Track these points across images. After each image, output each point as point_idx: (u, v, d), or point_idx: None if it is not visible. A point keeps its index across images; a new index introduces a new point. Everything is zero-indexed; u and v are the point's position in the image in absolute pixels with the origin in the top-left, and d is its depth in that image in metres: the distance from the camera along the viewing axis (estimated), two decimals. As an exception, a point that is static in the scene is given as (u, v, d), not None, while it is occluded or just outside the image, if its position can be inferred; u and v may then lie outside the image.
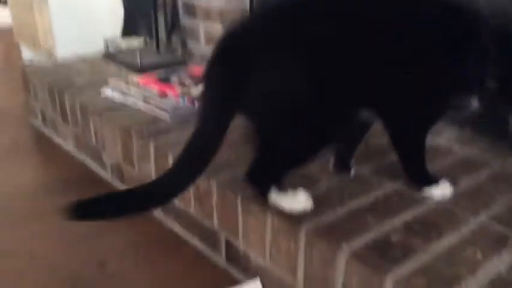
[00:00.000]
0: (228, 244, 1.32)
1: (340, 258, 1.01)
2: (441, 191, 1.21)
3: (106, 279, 1.30)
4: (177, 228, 1.51)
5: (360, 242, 1.04)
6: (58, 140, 2.05)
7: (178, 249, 1.44)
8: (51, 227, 1.51)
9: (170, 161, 1.41)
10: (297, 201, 1.14)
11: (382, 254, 1.00)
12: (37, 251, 1.40)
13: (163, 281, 1.30)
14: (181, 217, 1.47)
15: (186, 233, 1.47)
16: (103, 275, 1.32)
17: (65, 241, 1.46)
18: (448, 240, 1.05)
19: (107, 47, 2.33)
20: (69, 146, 1.98)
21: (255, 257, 1.24)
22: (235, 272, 1.32)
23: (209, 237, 1.38)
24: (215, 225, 1.34)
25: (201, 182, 1.31)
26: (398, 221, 1.11)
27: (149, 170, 1.52)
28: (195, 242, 1.44)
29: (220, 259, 1.36)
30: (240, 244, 1.28)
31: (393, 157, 1.40)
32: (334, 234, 1.06)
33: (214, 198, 1.30)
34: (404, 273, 0.95)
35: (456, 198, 1.20)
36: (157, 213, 1.58)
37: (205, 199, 1.33)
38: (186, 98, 1.70)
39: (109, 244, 1.45)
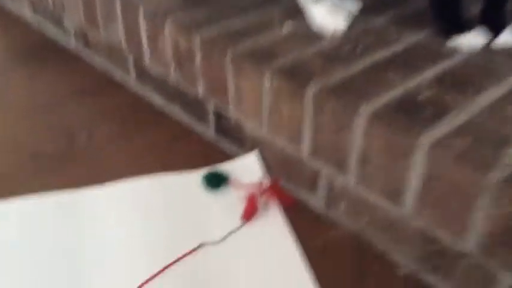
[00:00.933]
0: (218, 114, 1.13)
1: (357, 121, 0.82)
2: (474, 40, 0.99)
3: (75, 153, 1.11)
4: (156, 99, 1.30)
5: (380, 101, 0.84)
6: (12, 6, 1.75)
7: (158, 122, 1.24)
8: (14, 99, 1.30)
9: (141, 18, 1.15)
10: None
11: (410, 114, 0.81)
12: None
13: (142, 155, 1.12)
14: (160, 86, 1.26)
15: (167, 104, 1.27)
16: (71, 150, 1.12)
17: (28, 114, 1.25)
18: (488, 96, 0.86)
19: None
20: (25, 12, 1.68)
21: (251, 127, 1.05)
22: (227, 146, 1.14)
23: (194, 107, 1.18)
24: (200, 93, 1.13)
25: (181, 38, 1.08)
26: (424, 76, 0.91)
27: (116, 31, 1.26)
28: (179, 114, 1.24)
29: (209, 131, 1.17)
30: (232, 113, 1.08)
31: (414, 4, 1.16)
32: (348, 94, 0.86)
33: (198, 59, 1.07)
34: (440, 134, 0.76)
35: (492, 52, 0.99)
36: (131, 82, 1.36)
37: (187, 61, 1.10)
38: None
39: (76, 116, 1.24)
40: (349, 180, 0.89)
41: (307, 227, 0.94)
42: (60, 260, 0.87)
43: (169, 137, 1.18)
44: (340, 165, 0.89)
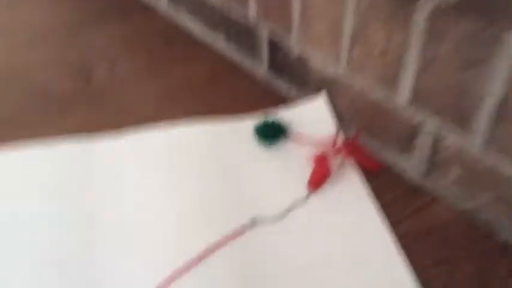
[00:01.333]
0: (273, 45, 0.86)
1: (503, 54, 0.54)
2: None
3: (93, 92, 0.87)
4: (193, 26, 1.03)
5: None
6: None
7: (196, 55, 0.98)
8: (23, 26, 1.05)
9: None
10: None
11: None
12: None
13: (175, 96, 0.86)
14: (199, 10, 0.99)
15: (207, 32, 1.00)
16: (88, 87, 0.88)
17: (40, 43, 1.00)
18: None
19: None
20: None
21: (320, 63, 0.78)
22: (283, 87, 0.88)
23: (243, 36, 0.91)
24: (252, 16, 0.86)
25: None
26: None
27: None
28: (222, 45, 0.98)
29: (261, 68, 0.91)
30: (294, 43, 0.81)
31: None
32: (487, 12, 0.57)
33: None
34: None
35: None
36: (163, 4, 1.09)
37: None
38: None
39: (96, 47, 0.99)
40: (471, 141, 0.61)
41: (397, 201, 0.68)
42: (66, 228, 0.64)
43: (209, 74, 0.92)
44: (461, 120, 0.61)
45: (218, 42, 0.98)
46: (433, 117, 0.65)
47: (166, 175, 0.71)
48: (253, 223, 0.65)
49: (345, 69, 0.74)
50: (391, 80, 0.67)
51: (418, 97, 0.65)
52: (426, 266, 0.60)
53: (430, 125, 0.66)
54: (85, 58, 0.96)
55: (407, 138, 0.70)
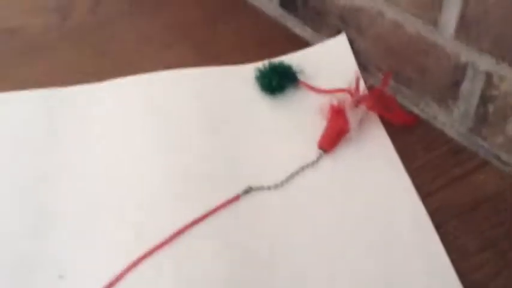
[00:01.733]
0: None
1: None
2: None
3: (70, 31, 0.73)
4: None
5: None
6: None
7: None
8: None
9: None
10: None
11: None
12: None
13: (166, 37, 0.72)
14: None
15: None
16: (65, 25, 0.75)
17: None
18: None
19: None
20: None
21: (339, -9, 0.62)
22: (298, 27, 0.72)
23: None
24: None
25: None
26: None
27: None
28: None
29: (271, 4, 0.75)
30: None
31: None
32: None
33: None
34: None
35: None
36: None
37: None
38: None
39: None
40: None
41: (434, 165, 0.53)
42: (32, 186, 0.52)
43: (208, 12, 0.77)
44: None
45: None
46: (484, 55, 0.49)
47: (148, 128, 0.58)
48: (247, 192, 0.51)
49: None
50: (431, 7, 0.51)
51: (466, 29, 0.49)
52: (468, 251, 0.46)
53: (482, 65, 0.50)
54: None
55: (450, 84, 0.54)
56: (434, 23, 0.52)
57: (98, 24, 0.75)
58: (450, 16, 0.50)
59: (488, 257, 0.45)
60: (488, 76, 0.50)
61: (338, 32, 0.65)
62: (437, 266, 0.45)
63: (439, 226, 0.47)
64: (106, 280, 0.45)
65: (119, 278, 0.45)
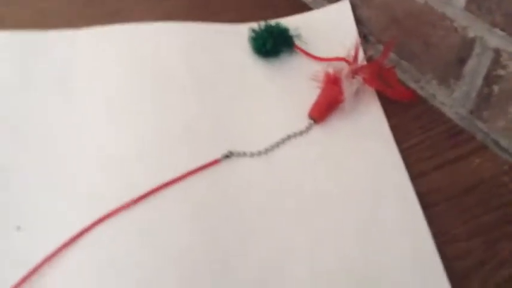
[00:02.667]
0: None
1: None
2: None
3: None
4: None
5: None
6: None
7: None
8: None
9: None
10: None
11: None
12: None
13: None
14: None
15: None
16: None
17: None
18: None
19: None
20: None
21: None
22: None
23: None
24: None
25: None
26: None
27: None
28: None
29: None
30: None
31: None
32: None
33: None
34: None
35: None
36: None
37: None
38: None
39: None
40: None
41: (429, 145, 0.50)
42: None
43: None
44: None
45: None
46: (495, 30, 0.45)
47: (129, 80, 0.55)
48: (227, 156, 0.48)
49: (380, -40, 0.54)
50: (442, -26, 0.48)
51: (478, 1, 0.46)
52: (456, 236, 0.43)
53: (491, 41, 0.46)
54: None
55: (454, 61, 0.51)
56: (444, -9, 0.48)
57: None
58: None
59: (476, 245, 0.42)
60: (497, 54, 0.46)
61: (341, -2, 0.62)
62: (421, 249, 0.42)
63: (427, 208, 0.44)
64: (64, 234, 0.41)
65: (80, 234, 0.42)
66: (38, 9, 0.64)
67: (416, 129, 0.51)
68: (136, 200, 0.44)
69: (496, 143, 0.50)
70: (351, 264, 0.41)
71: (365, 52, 0.57)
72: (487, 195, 0.46)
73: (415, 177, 0.47)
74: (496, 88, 0.48)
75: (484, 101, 0.49)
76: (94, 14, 0.63)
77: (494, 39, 0.46)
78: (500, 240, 0.43)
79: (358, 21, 0.60)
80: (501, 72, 0.46)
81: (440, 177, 0.47)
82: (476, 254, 0.42)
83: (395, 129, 0.51)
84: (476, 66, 0.49)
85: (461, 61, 0.50)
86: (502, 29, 0.45)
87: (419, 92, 0.55)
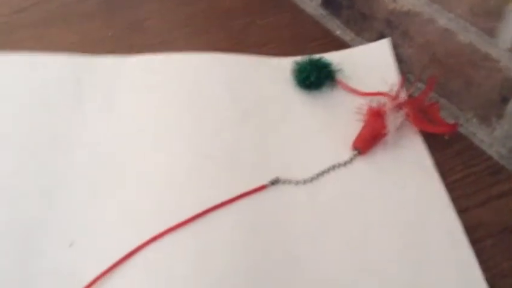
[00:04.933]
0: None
1: None
2: None
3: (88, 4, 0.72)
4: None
5: None
6: None
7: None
8: None
9: None
10: None
11: None
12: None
13: (199, 27, 0.70)
14: None
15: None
16: None
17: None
18: None
19: None
20: None
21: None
22: (340, 29, 0.70)
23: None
24: None
25: None
26: None
27: None
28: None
29: (313, 3, 0.74)
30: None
31: None
32: None
33: None
34: None
35: None
36: None
37: None
38: None
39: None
40: None
41: (470, 181, 0.51)
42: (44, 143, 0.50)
43: (248, 3, 0.76)
44: None
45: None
46: (542, 72, 0.47)
47: (176, 108, 0.56)
48: (274, 183, 0.49)
49: (425, 2, 0.56)
50: (490, 15, 0.49)
51: (524, 42, 0.47)
52: (504, 271, 0.43)
53: (536, 83, 0.48)
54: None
55: (497, 101, 0.52)
56: (491, 33, 0.50)
57: (136, 2, 0.74)
58: (510, 27, 0.48)
59: (525, 281, 0.43)
60: (542, 95, 0.47)
61: (381, 37, 0.64)
62: (470, 283, 0.42)
63: (474, 243, 0.45)
64: (118, 251, 0.42)
65: (130, 253, 0.42)
66: (86, 35, 0.66)
67: (458, 165, 0.52)
68: (185, 222, 0.45)
69: (538, 182, 0.50)
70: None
71: (409, 87, 0.59)
72: (531, 234, 0.46)
73: (460, 212, 0.47)
74: (539, 128, 0.49)
75: (527, 140, 0.50)
76: (138, 43, 0.65)
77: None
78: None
79: (399, 59, 0.62)
80: (546, 112, 0.48)
81: (483, 213, 0.48)
82: (523, 291, 0.42)
83: (438, 164, 0.52)
84: (521, 107, 0.50)
85: (504, 101, 0.51)
86: (549, 70, 0.46)
87: (460, 129, 0.57)
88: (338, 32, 0.70)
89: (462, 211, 0.48)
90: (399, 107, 0.54)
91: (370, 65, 0.62)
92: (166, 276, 0.41)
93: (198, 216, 0.45)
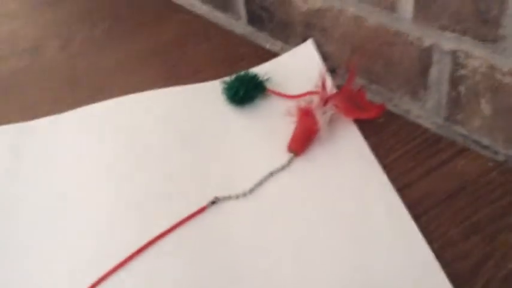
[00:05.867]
0: (248, -10, 0.70)
1: None
2: None
3: (43, 67, 0.73)
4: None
5: None
6: None
7: (164, 16, 0.82)
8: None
9: None
10: None
11: None
12: None
13: (141, 56, 0.71)
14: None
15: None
16: (37, 62, 0.74)
17: None
18: None
19: None
20: None
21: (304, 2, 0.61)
22: (267, 40, 0.71)
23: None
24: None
25: None
26: None
27: None
28: (193, 2, 0.82)
29: (239, 24, 0.75)
30: (269, -20, 0.64)
31: None
32: None
33: None
34: None
35: None
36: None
37: None
38: None
39: (41, 23, 0.85)
40: (506, 56, 0.43)
41: (410, 157, 0.50)
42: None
43: (179, 36, 0.77)
44: (485, 28, 0.43)
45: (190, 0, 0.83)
46: (446, 32, 0.47)
47: (114, 150, 0.56)
48: (214, 202, 0.48)
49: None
50: (386, -6, 0.50)
51: (424, 8, 0.48)
52: (453, 239, 0.42)
53: (445, 44, 0.48)
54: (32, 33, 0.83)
55: (418, 73, 0.52)
56: (392, 8, 0.50)
57: (68, 58, 0.75)
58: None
59: (475, 243, 0.41)
60: (454, 55, 0.47)
61: (305, 40, 0.64)
62: (418, 258, 0.41)
63: (419, 216, 0.44)
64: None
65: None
66: (24, 101, 0.67)
67: (395, 144, 0.52)
68: (124, 261, 0.44)
69: (478, 143, 0.50)
70: (349, 286, 0.40)
71: (336, 84, 0.59)
72: (477, 194, 0.45)
73: (402, 188, 0.47)
74: (462, 89, 0.48)
75: (455, 104, 0.50)
76: (78, 97, 0.65)
77: (448, 42, 0.47)
78: (499, 234, 0.42)
79: (325, 57, 0.62)
80: (462, 71, 0.47)
81: (426, 184, 0.47)
82: (476, 252, 0.41)
83: (375, 147, 0.51)
84: (439, 73, 0.50)
85: (425, 71, 0.51)
86: (452, 30, 0.46)
87: (394, 110, 0.56)
88: (268, 45, 0.71)
89: (406, 187, 0.47)
90: (327, 101, 0.54)
91: (298, 69, 0.62)
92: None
93: (136, 254, 0.44)
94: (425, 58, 0.50)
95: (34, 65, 0.74)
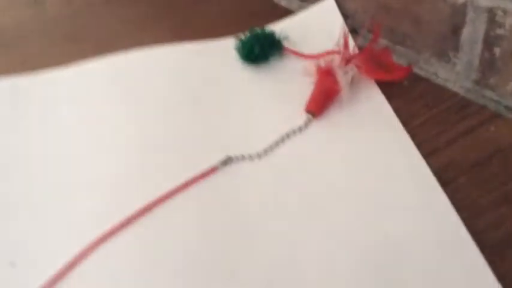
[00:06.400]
0: None
1: None
2: None
3: (44, 23, 0.69)
4: None
5: None
6: None
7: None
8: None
9: None
10: None
11: None
12: None
13: (154, 12, 0.68)
14: None
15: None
16: (40, 16, 0.70)
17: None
18: None
19: None
20: None
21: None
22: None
23: None
24: None
25: None
26: None
27: None
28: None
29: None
30: None
31: None
32: None
33: None
34: None
35: None
36: None
37: None
38: None
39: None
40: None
41: (438, 122, 0.47)
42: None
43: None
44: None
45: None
46: (485, -12, 0.43)
47: (123, 104, 0.53)
48: (226, 163, 0.45)
49: None
50: None
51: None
52: (482, 208, 0.39)
53: (481, 1, 0.44)
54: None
55: (449, 32, 0.48)
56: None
57: (73, 14, 0.71)
58: None
59: (506, 213, 0.38)
60: (491, 13, 0.44)
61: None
62: (447, 227, 0.38)
63: (447, 184, 0.41)
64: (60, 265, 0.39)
65: (79, 258, 0.39)
66: (25, 53, 0.64)
67: (420, 108, 0.48)
68: (131, 218, 0.41)
69: (510, 109, 0.47)
70: (370, 254, 0.37)
71: (357, 45, 0.55)
72: (509, 161, 0.42)
73: (428, 155, 0.43)
74: (497, 50, 0.45)
75: (488, 67, 0.47)
76: (82, 53, 0.62)
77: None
78: (531, 207, 0.39)
79: (346, 15, 0.58)
80: (499, 31, 0.44)
81: (454, 151, 0.44)
82: (508, 222, 0.38)
83: (399, 111, 0.48)
84: (473, 32, 0.46)
85: (456, 30, 0.47)
86: (491, -16, 0.42)
87: (420, 73, 0.53)
88: (283, 3, 0.67)
89: (432, 153, 0.44)
90: (349, 61, 0.50)
91: (317, 27, 0.58)
92: (121, 275, 0.38)
93: (145, 211, 0.42)
94: (458, 16, 0.46)
95: (38, 16, 0.71)
